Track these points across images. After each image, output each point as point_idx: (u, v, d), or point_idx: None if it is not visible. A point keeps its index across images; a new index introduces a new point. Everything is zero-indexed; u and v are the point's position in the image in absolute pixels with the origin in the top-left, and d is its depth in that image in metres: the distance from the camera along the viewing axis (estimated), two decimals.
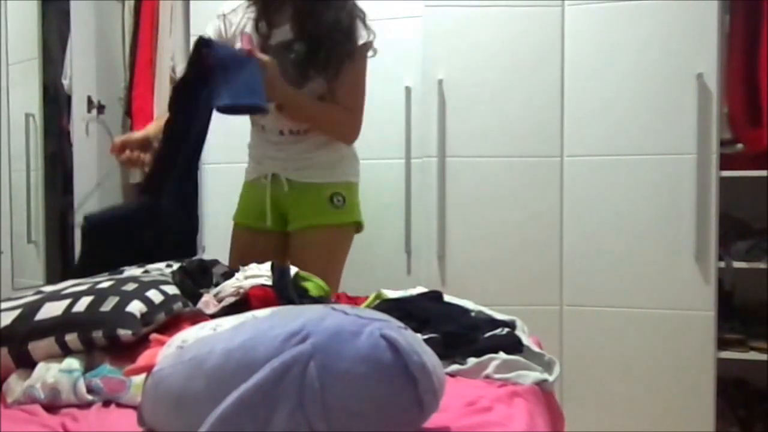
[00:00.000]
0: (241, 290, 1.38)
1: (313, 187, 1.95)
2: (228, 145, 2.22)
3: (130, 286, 1.27)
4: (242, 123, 2.00)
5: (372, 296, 1.62)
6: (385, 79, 2.40)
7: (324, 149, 1.96)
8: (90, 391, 1.10)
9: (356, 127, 1.95)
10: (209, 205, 2.50)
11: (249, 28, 1.91)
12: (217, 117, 1.72)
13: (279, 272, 1.44)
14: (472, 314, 1.53)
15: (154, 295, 1.26)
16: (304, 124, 1.92)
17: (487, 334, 1.38)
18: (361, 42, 1.85)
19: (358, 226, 2.03)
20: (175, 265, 1.58)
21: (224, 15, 1.98)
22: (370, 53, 1.89)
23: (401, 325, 0.86)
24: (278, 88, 1.75)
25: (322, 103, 1.89)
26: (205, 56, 1.66)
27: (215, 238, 2.42)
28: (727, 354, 2.19)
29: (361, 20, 1.86)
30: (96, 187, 2.40)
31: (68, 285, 1.30)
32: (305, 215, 1.95)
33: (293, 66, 1.85)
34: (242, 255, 1.89)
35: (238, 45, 1.86)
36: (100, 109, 2.67)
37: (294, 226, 1.96)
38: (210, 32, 1.94)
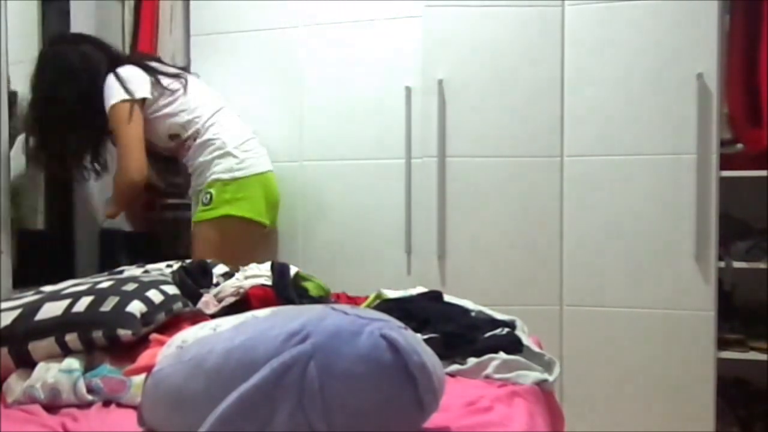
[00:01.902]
0: (241, 290, 1.39)
1: (198, 191, 2.28)
2: None
3: (130, 286, 1.27)
4: None
5: (372, 296, 1.63)
6: (385, 79, 2.40)
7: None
8: (90, 391, 1.10)
9: (123, 173, 2.17)
10: None
11: None
12: None
13: (279, 272, 1.44)
14: (472, 314, 1.53)
15: (154, 295, 1.26)
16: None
17: (487, 334, 1.38)
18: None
19: (249, 221, 2.25)
20: (175, 265, 1.58)
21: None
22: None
23: (401, 325, 0.86)
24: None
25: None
26: None
27: None
28: (727, 354, 2.19)
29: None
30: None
31: (68, 285, 1.31)
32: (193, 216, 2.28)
33: None
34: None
35: None
36: None
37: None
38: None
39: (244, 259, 1.82)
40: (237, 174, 2.23)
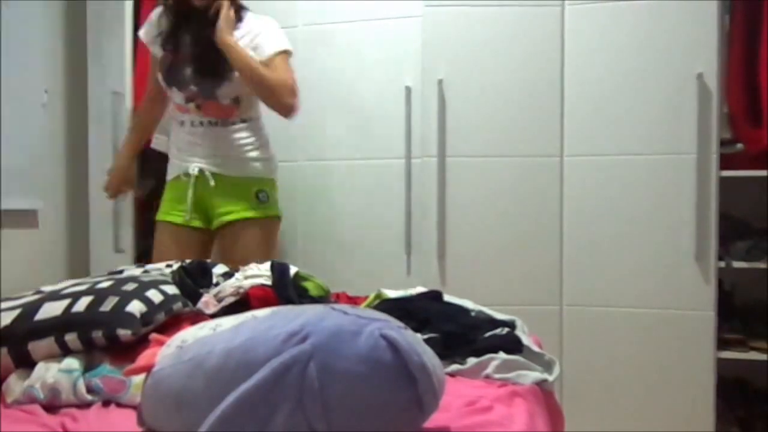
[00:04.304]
0: (241, 290, 1.38)
1: (238, 181, 2.06)
2: None
3: (130, 286, 1.27)
4: None
5: (372, 296, 1.62)
6: (385, 79, 2.40)
7: (247, 146, 2.09)
8: (90, 391, 1.10)
9: (288, 95, 2.00)
10: None
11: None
12: None
13: (279, 272, 1.44)
14: (472, 314, 1.53)
15: (154, 295, 1.26)
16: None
17: (487, 334, 1.38)
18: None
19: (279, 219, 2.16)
20: (175, 265, 1.58)
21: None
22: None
23: (401, 325, 0.86)
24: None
25: (259, 63, 1.99)
26: None
27: None
28: (727, 354, 2.19)
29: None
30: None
31: (68, 285, 1.30)
32: (233, 211, 2.06)
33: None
34: (165, 253, 2.01)
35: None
36: None
37: (223, 220, 2.07)
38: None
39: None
40: (276, 175, 2.18)
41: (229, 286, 1.41)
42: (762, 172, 2.20)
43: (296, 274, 1.48)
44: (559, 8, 2.23)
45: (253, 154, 2.10)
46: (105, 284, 1.27)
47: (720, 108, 2.14)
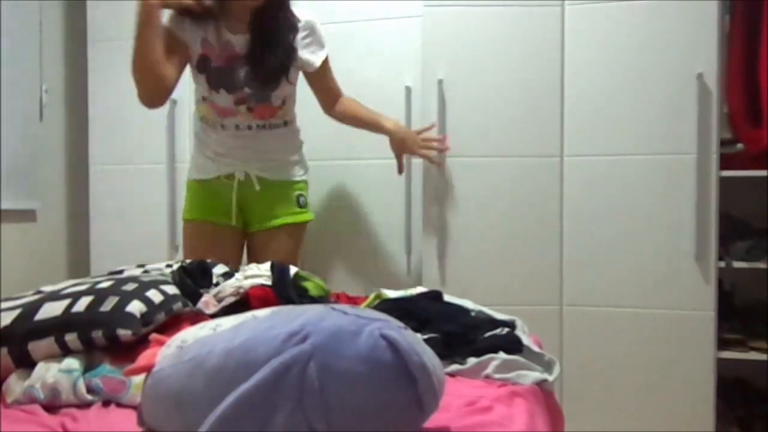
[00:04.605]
0: (241, 290, 1.38)
1: (282, 185, 2.05)
2: None
3: (130, 286, 1.27)
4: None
5: (372, 296, 1.62)
6: (385, 79, 2.40)
7: (289, 148, 2.08)
8: (90, 391, 1.10)
9: None
10: None
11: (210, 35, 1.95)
12: None
13: (279, 272, 1.44)
14: (472, 314, 1.53)
15: (154, 295, 1.26)
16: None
17: (487, 334, 1.38)
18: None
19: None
20: (175, 265, 1.58)
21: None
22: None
23: (401, 325, 0.86)
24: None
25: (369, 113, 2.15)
26: None
27: None
28: (727, 354, 2.19)
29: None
30: None
31: (68, 285, 1.30)
32: (276, 215, 2.05)
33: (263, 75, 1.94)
34: (204, 251, 1.93)
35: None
36: None
37: (264, 225, 2.05)
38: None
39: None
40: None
41: (229, 286, 1.41)
42: (762, 172, 2.20)
43: (296, 274, 1.48)
44: (559, 8, 2.23)
45: (294, 157, 2.10)
46: (105, 284, 1.27)
47: (720, 108, 2.14)
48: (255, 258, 2.04)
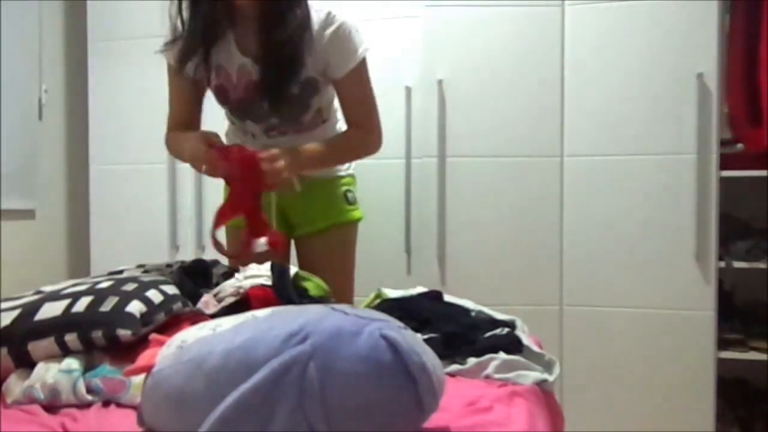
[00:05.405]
0: (241, 290, 1.38)
1: (326, 182, 1.83)
2: None
3: (130, 286, 1.27)
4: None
5: (372, 296, 1.62)
6: (385, 79, 2.39)
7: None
8: (90, 391, 1.10)
9: (375, 141, 1.78)
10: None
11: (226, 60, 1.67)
12: None
13: (279, 272, 1.44)
14: (472, 314, 1.53)
15: (154, 295, 1.26)
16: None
17: (487, 334, 1.38)
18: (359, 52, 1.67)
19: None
20: (175, 265, 1.58)
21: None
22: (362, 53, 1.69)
23: (401, 325, 0.86)
24: (295, 171, 1.60)
25: (333, 142, 1.75)
26: None
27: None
28: (727, 354, 2.19)
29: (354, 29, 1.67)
30: None
31: (68, 285, 1.30)
32: (324, 216, 1.84)
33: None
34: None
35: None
36: None
37: (311, 228, 1.85)
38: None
39: None
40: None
41: (229, 286, 1.40)
42: (762, 172, 2.20)
43: (296, 274, 1.48)
44: (559, 8, 2.23)
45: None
46: (105, 284, 1.27)
47: (720, 108, 2.14)
48: (305, 265, 1.82)
